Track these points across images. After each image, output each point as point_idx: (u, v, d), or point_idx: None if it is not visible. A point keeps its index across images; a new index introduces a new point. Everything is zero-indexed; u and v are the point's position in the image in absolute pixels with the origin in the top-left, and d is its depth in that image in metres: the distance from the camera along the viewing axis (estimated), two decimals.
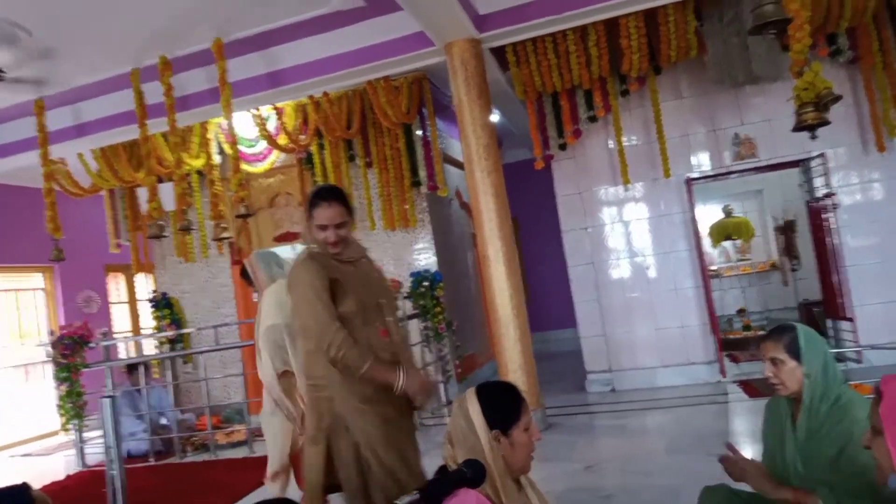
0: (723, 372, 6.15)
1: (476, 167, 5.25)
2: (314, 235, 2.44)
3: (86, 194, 7.46)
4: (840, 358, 5.86)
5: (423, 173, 6.71)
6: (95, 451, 6.33)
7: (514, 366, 5.13)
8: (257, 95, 5.93)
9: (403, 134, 6.71)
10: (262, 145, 7.06)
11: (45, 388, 7.74)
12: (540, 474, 2.17)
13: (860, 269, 5.97)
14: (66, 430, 6.01)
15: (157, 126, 5.85)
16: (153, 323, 7.55)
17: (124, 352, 8.99)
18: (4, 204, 8.12)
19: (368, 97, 6.40)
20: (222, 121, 6.63)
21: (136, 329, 9.66)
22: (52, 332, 6.46)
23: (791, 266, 8.13)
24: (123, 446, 4.09)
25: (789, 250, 8.25)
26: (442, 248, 6.98)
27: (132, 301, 9.82)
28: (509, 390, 1.75)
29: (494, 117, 5.65)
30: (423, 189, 6.74)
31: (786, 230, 8.24)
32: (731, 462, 2.03)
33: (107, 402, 3.10)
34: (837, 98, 3.69)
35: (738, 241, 8.65)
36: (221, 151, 7.09)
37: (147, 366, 6.32)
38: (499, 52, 5.97)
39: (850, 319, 5.93)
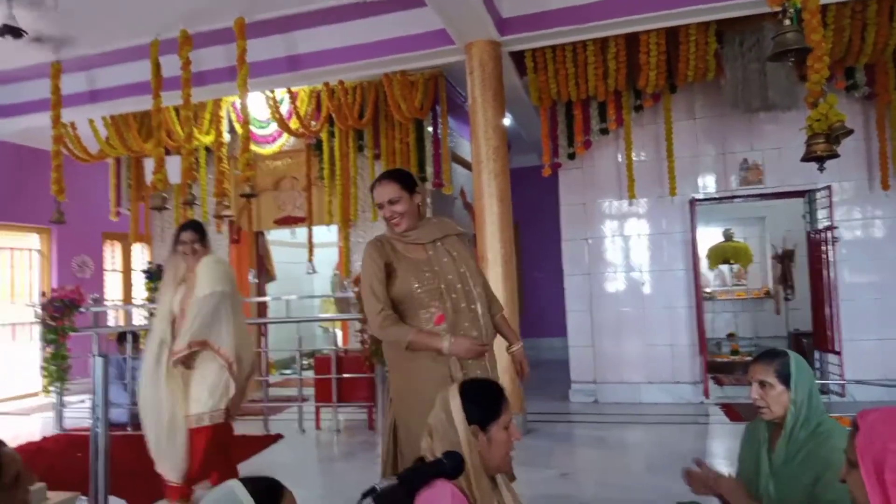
0: (706, 393, 6.18)
1: (484, 168, 5.27)
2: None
3: (92, 160, 7.47)
4: (824, 390, 5.89)
5: (429, 169, 6.72)
6: (74, 416, 6.34)
7: (500, 368, 5.11)
8: (274, 77, 5.95)
9: (414, 129, 6.73)
10: (273, 127, 7.07)
11: (30, 349, 7.73)
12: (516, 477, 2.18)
13: (853, 305, 6.00)
14: (48, 392, 5.98)
15: (171, 99, 5.86)
16: (146, 294, 7.55)
17: (113, 320, 8.98)
18: (10, 163, 8.12)
19: (383, 89, 6.42)
20: (236, 100, 6.64)
21: (127, 298, 9.65)
22: (43, 294, 6.45)
23: (785, 295, 8.14)
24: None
25: (785, 279, 8.26)
26: None
27: (126, 270, 9.81)
28: (492, 388, 1.77)
29: (506, 121, 5.66)
30: (429, 185, 6.75)
31: (783, 259, 8.24)
32: (696, 476, 2.06)
33: (99, 360, 3.11)
34: (849, 132, 3.68)
35: (736, 266, 8.66)
36: (232, 130, 7.10)
37: (136, 336, 6.31)
38: (517, 57, 5.99)
39: (838, 353, 5.96)
